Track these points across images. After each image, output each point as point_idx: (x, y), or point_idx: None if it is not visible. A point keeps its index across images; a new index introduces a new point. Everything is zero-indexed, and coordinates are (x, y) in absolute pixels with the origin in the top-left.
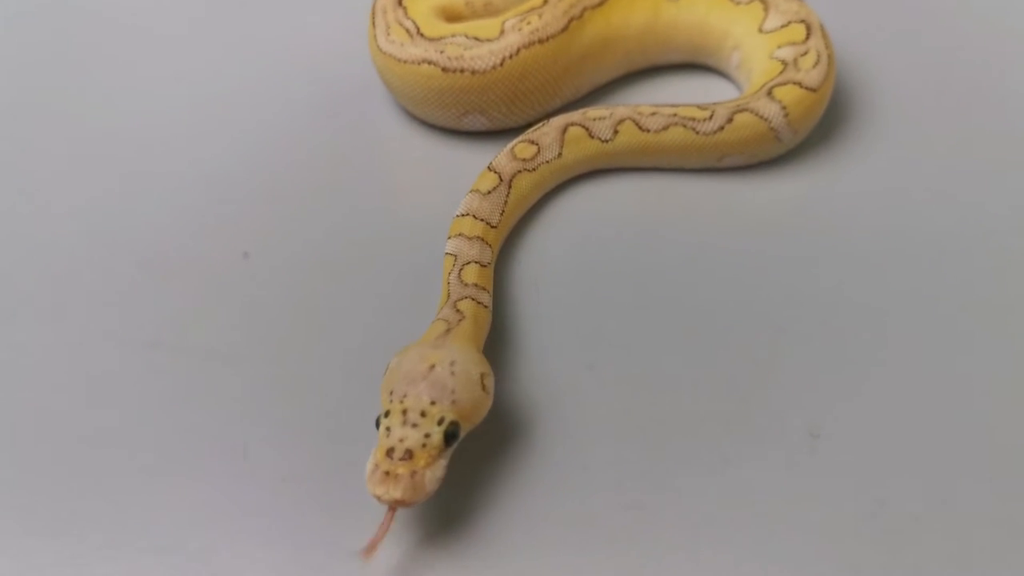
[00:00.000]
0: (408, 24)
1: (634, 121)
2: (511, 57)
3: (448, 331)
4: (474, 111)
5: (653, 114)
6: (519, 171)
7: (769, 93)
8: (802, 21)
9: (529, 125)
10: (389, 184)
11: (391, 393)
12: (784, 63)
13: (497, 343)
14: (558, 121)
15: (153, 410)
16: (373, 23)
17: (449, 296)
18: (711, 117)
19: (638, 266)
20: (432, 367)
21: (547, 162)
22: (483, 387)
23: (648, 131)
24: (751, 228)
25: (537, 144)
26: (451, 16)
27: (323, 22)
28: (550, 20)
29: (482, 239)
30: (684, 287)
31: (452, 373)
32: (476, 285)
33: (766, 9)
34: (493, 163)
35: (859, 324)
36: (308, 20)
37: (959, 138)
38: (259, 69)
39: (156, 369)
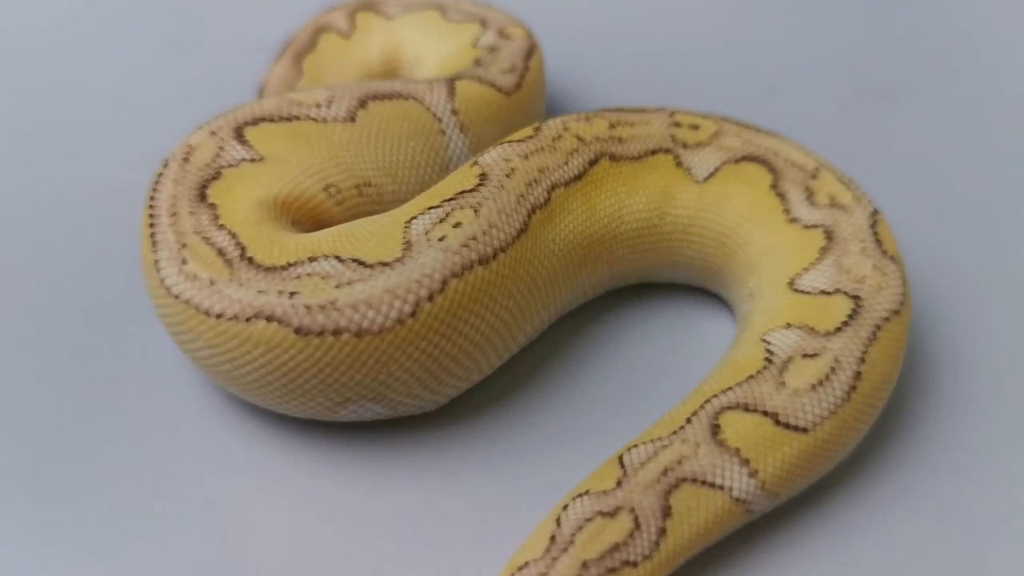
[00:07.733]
0: (222, 240)
1: None
2: (431, 298)
3: None
4: (362, 398)
5: None
6: None
7: (715, 433)
8: (854, 298)
9: (452, 404)
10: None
11: None
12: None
13: None
14: None
15: None
16: (152, 239)
17: None
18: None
19: None
20: None
21: None
22: None
23: None
24: None
25: None
26: (299, 216)
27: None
28: (495, 216)
29: None
30: None
31: None
32: None
33: (830, 241)
34: None
35: None
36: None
37: None
38: None
39: None
